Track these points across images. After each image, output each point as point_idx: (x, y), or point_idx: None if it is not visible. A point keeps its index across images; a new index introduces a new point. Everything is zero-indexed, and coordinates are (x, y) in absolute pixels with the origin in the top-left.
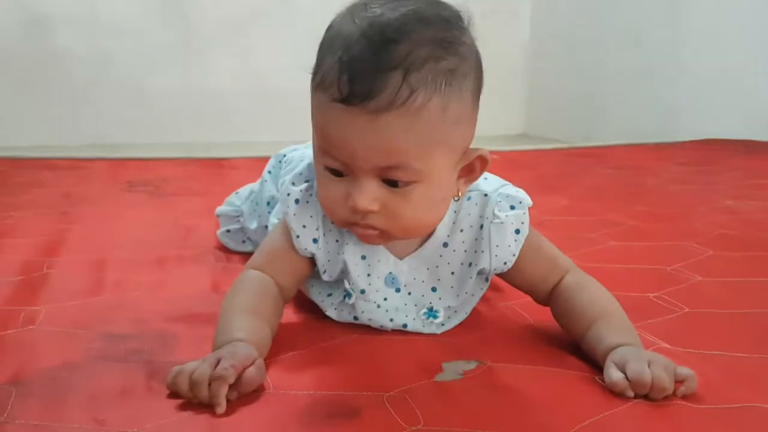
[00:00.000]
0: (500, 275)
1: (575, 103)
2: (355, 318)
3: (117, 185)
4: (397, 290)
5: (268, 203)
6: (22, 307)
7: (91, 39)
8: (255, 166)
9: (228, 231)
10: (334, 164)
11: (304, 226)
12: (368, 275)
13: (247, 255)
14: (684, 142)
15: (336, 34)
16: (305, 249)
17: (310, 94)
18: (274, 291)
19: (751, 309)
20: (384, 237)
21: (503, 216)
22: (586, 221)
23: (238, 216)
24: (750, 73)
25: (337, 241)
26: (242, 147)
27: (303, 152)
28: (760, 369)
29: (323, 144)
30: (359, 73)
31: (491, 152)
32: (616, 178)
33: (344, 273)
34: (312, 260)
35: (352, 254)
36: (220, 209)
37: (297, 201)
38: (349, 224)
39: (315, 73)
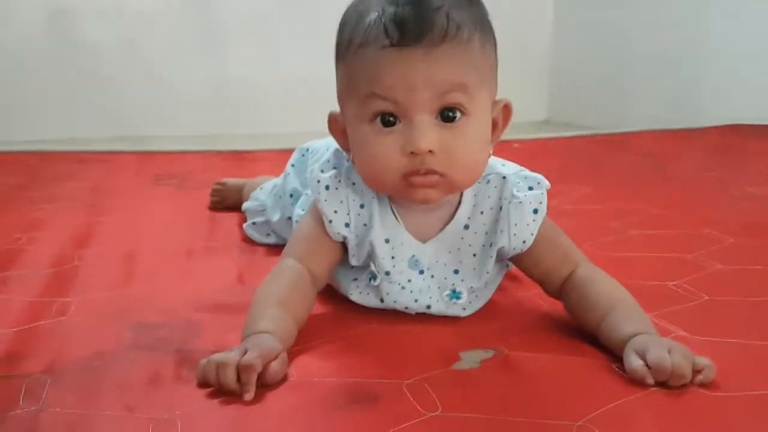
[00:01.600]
0: (516, 262)
1: (599, 89)
2: (381, 300)
3: (144, 178)
4: (420, 272)
5: (291, 195)
6: (55, 298)
7: (117, 31)
8: (279, 158)
9: (254, 223)
10: (388, 106)
11: (335, 212)
12: (392, 257)
13: (271, 247)
14: (709, 128)
15: (366, 4)
16: (338, 233)
17: (336, 67)
18: (307, 283)
19: None
20: (444, 185)
21: (521, 196)
22: (607, 209)
23: (263, 209)
24: None
25: (365, 225)
26: (267, 139)
27: (328, 141)
28: None
29: (374, 89)
30: (407, 17)
31: (513, 141)
32: (640, 165)
33: (371, 256)
34: (343, 245)
35: (377, 237)
36: (246, 205)
37: (327, 187)
38: (407, 177)
39: (350, 41)
